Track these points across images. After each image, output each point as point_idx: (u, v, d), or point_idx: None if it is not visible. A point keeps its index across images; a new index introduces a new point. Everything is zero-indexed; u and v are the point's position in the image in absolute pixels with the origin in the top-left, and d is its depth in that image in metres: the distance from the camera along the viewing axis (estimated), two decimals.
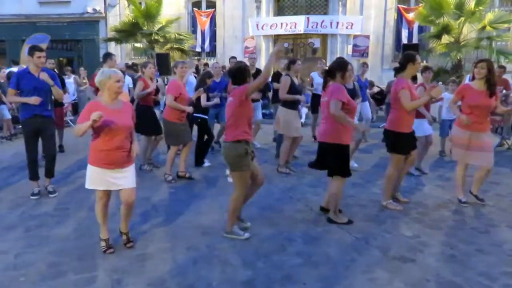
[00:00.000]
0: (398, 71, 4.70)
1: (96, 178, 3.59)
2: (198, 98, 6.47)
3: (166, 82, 9.84)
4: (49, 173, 5.43)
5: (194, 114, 6.60)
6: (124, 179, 3.64)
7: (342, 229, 4.28)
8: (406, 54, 4.77)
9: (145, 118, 6.29)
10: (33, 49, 5.16)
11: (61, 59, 17.48)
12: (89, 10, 16.83)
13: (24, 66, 10.30)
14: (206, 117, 6.88)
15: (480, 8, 12.40)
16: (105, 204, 3.75)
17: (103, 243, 3.80)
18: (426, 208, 4.91)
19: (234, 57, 9.90)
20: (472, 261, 3.57)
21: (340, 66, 4.35)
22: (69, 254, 3.71)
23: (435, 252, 3.77)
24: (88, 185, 3.64)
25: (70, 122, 10.99)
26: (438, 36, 13.03)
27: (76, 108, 12.19)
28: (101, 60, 7.11)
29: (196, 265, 3.54)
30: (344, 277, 3.34)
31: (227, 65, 10.62)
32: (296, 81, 6.46)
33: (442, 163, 7.10)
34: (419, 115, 5.69)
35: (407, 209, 4.82)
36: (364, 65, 8.34)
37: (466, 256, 3.67)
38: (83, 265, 3.52)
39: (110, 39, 15.64)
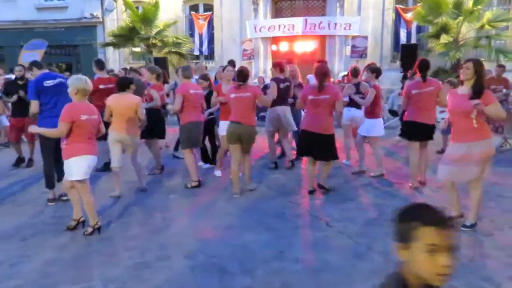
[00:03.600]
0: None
1: None
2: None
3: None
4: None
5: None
6: None
7: (342, 233, 4.22)
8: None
9: (154, 122, 6.24)
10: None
11: (59, 64, 17.44)
12: (86, 15, 16.79)
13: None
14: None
15: (479, 7, 12.39)
16: None
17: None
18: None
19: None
20: (475, 265, 3.50)
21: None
22: (64, 264, 3.65)
23: None
24: None
25: None
26: (436, 36, 13.01)
27: None
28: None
29: (194, 273, 3.47)
30: (346, 284, 3.27)
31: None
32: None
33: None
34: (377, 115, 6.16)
35: None
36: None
37: (469, 260, 3.60)
38: (79, 275, 3.46)
39: (107, 44, 15.62)
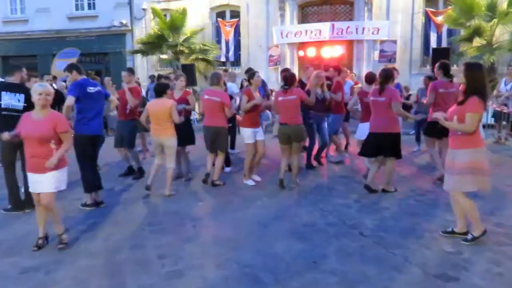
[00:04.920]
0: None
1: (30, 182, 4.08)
2: None
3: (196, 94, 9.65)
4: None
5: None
6: (39, 184, 3.98)
7: (377, 244, 4.08)
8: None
9: (183, 129, 6.27)
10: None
11: (89, 72, 17.83)
12: (116, 23, 17.12)
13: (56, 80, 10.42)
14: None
15: None
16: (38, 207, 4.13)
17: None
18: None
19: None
20: None
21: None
22: (97, 271, 3.66)
23: (481, 270, 3.52)
24: None
25: None
26: (469, 39, 12.62)
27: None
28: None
29: (227, 283, 3.42)
30: None
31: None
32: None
33: None
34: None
35: (447, 222, 4.57)
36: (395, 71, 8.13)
37: None
38: (112, 283, 3.46)
39: (136, 51, 15.87)
